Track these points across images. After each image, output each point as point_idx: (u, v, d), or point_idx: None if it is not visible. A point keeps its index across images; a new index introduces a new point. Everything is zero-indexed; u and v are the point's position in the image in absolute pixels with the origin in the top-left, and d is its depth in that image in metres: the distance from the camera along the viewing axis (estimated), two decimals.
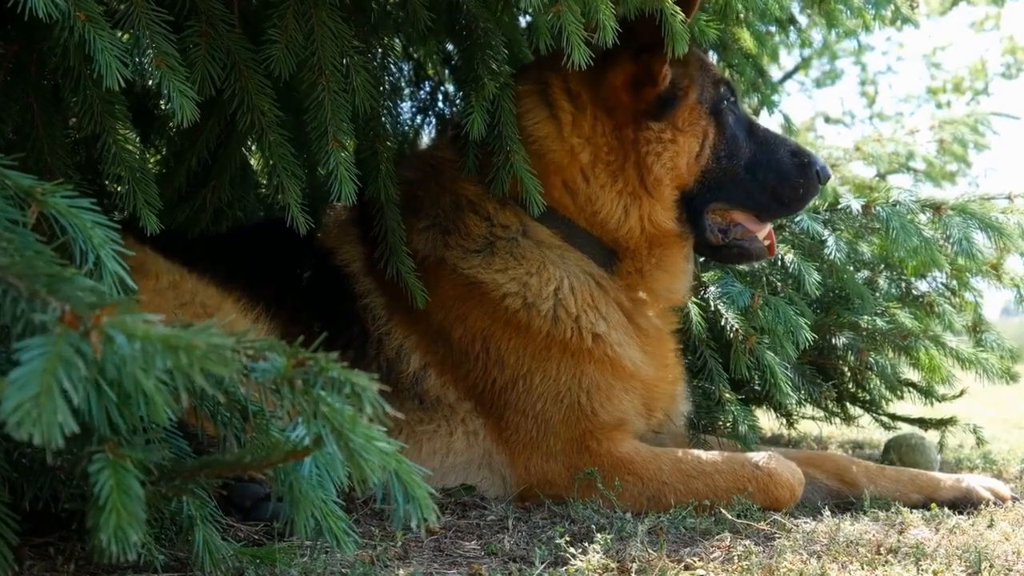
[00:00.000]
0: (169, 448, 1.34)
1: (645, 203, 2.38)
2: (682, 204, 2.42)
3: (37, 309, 0.94)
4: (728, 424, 2.63)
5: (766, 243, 2.50)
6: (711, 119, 2.43)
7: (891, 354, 2.95)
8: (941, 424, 3.25)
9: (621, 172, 2.36)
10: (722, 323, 2.63)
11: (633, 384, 2.35)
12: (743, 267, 2.84)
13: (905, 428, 3.32)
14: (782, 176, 2.45)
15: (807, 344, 2.57)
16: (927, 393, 3.19)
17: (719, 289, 2.69)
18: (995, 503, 2.33)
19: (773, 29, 3.74)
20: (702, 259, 2.79)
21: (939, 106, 15.04)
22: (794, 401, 2.94)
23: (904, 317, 2.89)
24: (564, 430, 2.25)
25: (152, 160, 2.85)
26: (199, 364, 0.88)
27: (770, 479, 2.18)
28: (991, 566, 1.70)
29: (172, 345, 0.88)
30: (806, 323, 2.55)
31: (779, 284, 2.83)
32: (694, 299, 2.68)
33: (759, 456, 2.22)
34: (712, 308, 2.69)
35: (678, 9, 2.08)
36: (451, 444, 2.31)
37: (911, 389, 3.19)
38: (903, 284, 3.17)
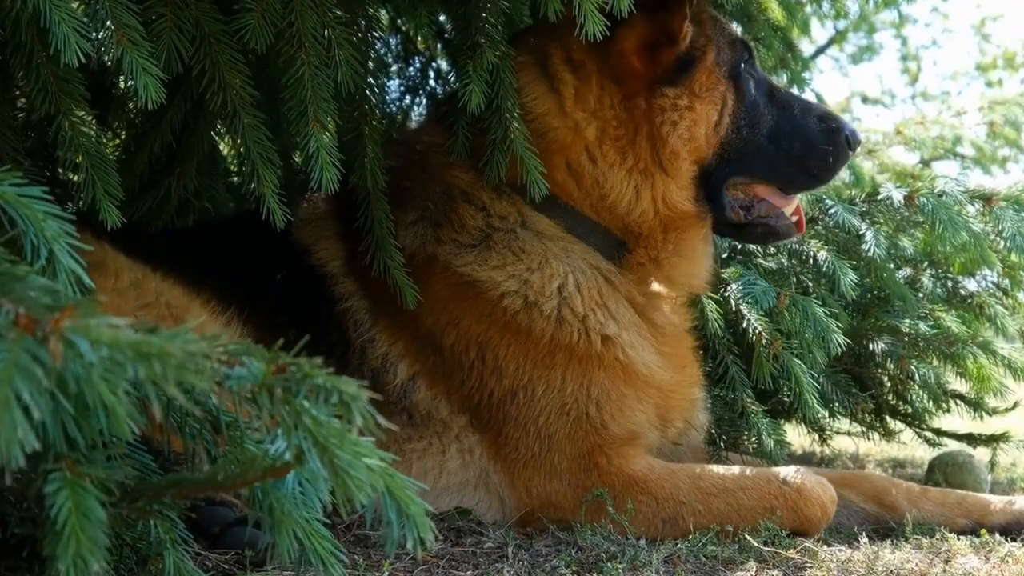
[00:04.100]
0: (132, 465, 1.35)
1: (659, 182, 2.38)
2: (700, 180, 2.43)
3: None
4: (753, 439, 2.63)
5: (794, 219, 2.51)
6: (729, 84, 2.43)
7: (936, 362, 2.96)
8: (992, 440, 3.25)
9: (631, 148, 2.36)
10: (744, 325, 2.64)
11: (647, 391, 2.36)
12: (771, 248, 2.86)
13: (952, 445, 3.33)
14: (808, 144, 2.45)
15: (839, 350, 2.55)
16: (976, 406, 3.20)
17: (741, 287, 2.68)
18: None
19: None
20: (723, 256, 2.80)
21: (989, 84, 15.05)
22: (825, 414, 2.95)
23: (950, 320, 2.90)
24: (570, 446, 2.26)
25: (110, 145, 2.86)
26: (174, 375, 0.88)
27: (799, 496, 2.18)
28: None
29: (144, 353, 0.87)
30: (838, 326, 2.54)
31: (811, 284, 2.83)
32: (711, 296, 2.68)
33: (786, 471, 2.23)
34: (733, 308, 2.69)
35: None
36: (444, 463, 2.32)
37: (958, 401, 3.19)
38: (949, 284, 3.18)
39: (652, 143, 2.36)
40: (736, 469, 2.25)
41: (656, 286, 2.48)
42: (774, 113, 2.48)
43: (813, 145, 2.45)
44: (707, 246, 2.56)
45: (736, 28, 3.23)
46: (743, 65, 2.47)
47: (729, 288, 2.72)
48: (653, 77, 2.36)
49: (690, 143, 2.38)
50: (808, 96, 3.70)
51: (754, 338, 2.60)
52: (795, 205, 2.52)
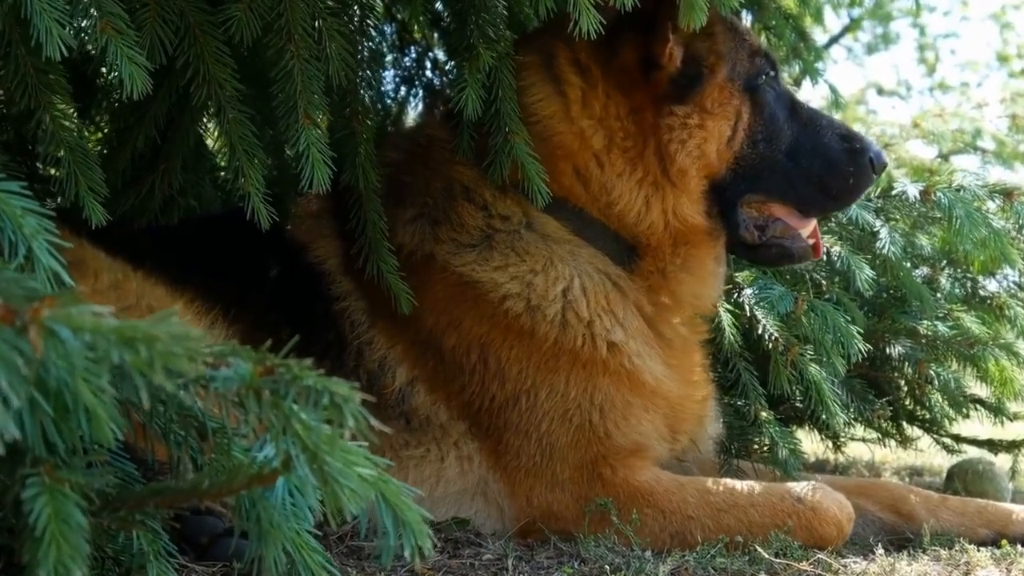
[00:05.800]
0: (114, 473, 1.35)
1: (669, 194, 2.38)
2: (712, 196, 2.42)
3: None
4: (765, 448, 2.63)
5: (810, 242, 2.49)
6: (745, 97, 2.43)
7: (955, 365, 2.95)
8: (1013, 447, 3.26)
9: (640, 160, 2.37)
10: (759, 331, 2.63)
11: (654, 402, 2.36)
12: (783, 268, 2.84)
13: (971, 451, 3.33)
14: (829, 163, 2.44)
15: (860, 357, 2.55)
16: (997, 411, 3.19)
17: (756, 292, 2.68)
18: None
19: None
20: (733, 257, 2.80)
21: (1011, 75, 15.05)
22: (842, 421, 2.94)
23: (970, 322, 2.89)
24: (573, 454, 2.26)
25: (92, 139, 2.86)
26: (161, 360, 0.88)
27: (814, 514, 2.18)
28: None
29: (128, 337, 0.87)
30: (859, 332, 2.53)
31: (824, 282, 2.83)
32: (726, 305, 2.68)
33: (801, 487, 2.22)
34: (748, 314, 2.68)
35: None
36: (442, 471, 2.32)
37: (978, 406, 3.19)
38: (968, 283, 3.18)
39: (660, 158, 2.36)
40: (748, 484, 2.25)
41: (664, 298, 2.48)
42: (794, 129, 2.47)
43: (834, 165, 2.44)
44: (718, 266, 2.55)
45: (747, 19, 3.24)
46: (763, 77, 2.45)
47: (743, 293, 2.72)
48: (656, 95, 2.37)
49: (700, 160, 2.37)
50: (821, 87, 3.70)
51: (770, 345, 2.58)
52: (812, 227, 2.50)
